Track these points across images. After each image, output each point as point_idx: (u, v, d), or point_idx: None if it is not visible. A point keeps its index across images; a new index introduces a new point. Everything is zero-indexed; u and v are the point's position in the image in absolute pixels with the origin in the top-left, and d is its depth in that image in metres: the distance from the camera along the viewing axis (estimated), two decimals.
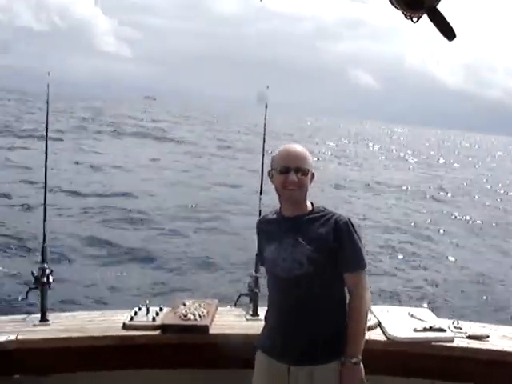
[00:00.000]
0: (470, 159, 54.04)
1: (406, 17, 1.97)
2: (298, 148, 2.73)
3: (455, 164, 44.55)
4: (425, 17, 1.97)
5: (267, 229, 2.84)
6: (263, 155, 3.80)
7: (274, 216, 2.84)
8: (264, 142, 3.82)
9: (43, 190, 3.56)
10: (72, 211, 14.38)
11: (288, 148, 2.73)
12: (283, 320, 2.69)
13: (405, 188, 25.22)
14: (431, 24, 1.97)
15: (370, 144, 58.77)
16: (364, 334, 2.65)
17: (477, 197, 25.29)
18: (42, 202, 3.51)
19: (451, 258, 13.34)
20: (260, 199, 3.76)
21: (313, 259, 2.60)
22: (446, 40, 2.00)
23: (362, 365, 2.62)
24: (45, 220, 3.45)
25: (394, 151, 52.09)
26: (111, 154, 26.47)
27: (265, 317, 2.90)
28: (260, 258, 3.05)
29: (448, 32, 2.00)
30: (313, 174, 2.72)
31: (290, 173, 2.64)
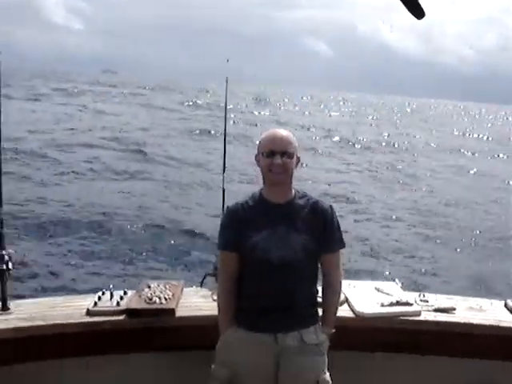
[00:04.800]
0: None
1: None
2: (284, 132, 2.81)
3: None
4: None
5: (250, 215, 2.80)
6: (225, 131, 3.89)
7: (254, 202, 2.84)
8: (226, 119, 3.87)
9: None
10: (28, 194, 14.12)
11: (274, 132, 2.81)
12: (272, 299, 2.75)
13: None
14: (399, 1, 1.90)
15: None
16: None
17: None
18: None
19: (418, 230, 13.49)
20: (223, 177, 3.75)
21: (307, 247, 2.75)
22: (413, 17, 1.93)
23: None
24: (1, 206, 3.35)
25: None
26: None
27: (242, 296, 2.84)
28: (229, 243, 2.84)
29: (416, 10, 1.94)
30: (298, 158, 2.81)
31: (275, 156, 2.71)
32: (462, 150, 31.92)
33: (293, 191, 2.83)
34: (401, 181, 20.61)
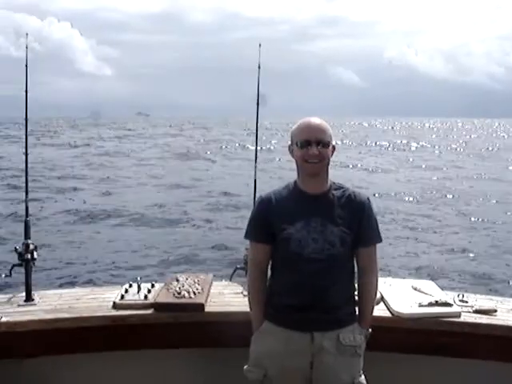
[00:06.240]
0: None
1: None
2: (318, 120, 2.68)
3: None
4: None
5: (284, 206, 2.68)
6: (257, 126, 3.81)
7: (289, 192, 2.72)
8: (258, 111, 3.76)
9: (24, 166, 3.47)
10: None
11: (308, 121, 2.69)
12: (307, 296, 2.63)
13: None
14: None
15: None
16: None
17: None
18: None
19: (454, 229, 13.21)
20: (255, 167, 3.69)
21: (344, 240, 2.62)
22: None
23: None
24: (27, 194, 3.33)
25: None
26: None
27: (274, 291, 2.73)
28: (259, 233, 2.73)
29: None
30: (334, 147, 2.69)
31: (311, 146, 2.60)
32: None
33: (329, 182, 2.70)
34: None
